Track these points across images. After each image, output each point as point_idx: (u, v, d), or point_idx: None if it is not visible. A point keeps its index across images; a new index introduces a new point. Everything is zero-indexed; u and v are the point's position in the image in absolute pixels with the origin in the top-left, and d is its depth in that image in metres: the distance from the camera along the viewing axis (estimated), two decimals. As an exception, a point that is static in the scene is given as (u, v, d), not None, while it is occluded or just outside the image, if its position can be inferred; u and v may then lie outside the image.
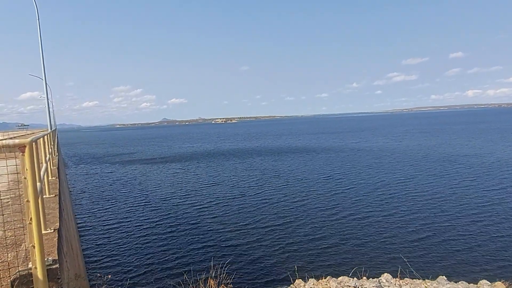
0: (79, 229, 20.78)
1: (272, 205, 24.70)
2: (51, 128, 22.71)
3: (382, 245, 17.20)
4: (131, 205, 26.47)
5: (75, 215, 23.41)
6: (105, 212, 25.12)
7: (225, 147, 77.78)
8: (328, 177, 34.39)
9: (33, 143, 3.56)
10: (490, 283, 11.34)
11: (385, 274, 12.01)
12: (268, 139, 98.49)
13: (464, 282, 11.44)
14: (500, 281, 11.29)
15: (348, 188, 29.14)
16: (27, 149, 3.31)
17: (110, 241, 18.94)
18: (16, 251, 4.70)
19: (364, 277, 11.93)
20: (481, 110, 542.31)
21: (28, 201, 3.37)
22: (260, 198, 26.80)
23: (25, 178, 3.36)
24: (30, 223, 3.38)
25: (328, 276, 12.23)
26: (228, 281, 6.19)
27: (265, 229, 19.93)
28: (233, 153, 62.21)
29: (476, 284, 11.42)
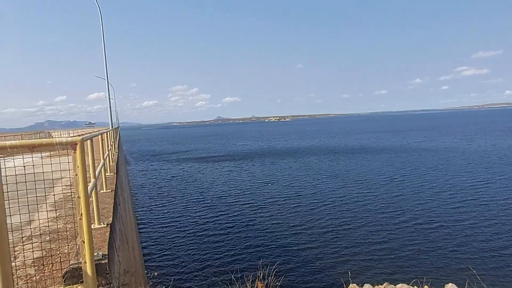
0: (138, 224, 21.86)
1: (327, 206, 24.01)
2: (112, 127, 24.14)
3: (448, 253, 15.90)
4: (187, 202, 27.33)
5: (135, 210, 24.69)
6: (162, 207, 26.20)
7: (279, 145, 77.49)
8: (388, 178, 32.71)
9: (85, 142, 3.65)
10: None
11: (450, 284, 11.13)
12: (323, 138, 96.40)
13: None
14: None
15: (411, 191, 27.39)
16: (78, 147, 3.39)
17: (166, 236, 19.68)
18: (71, 245, 4.92)
19: (426, 286, 11.14)
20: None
21: (79, 197, 3.46)
22: (314, 199, 26.18)
23: (76, 174, 3.44)
24: (80, 219, 3.46)
25: (386, 283, 11.61)
26: (277, 283, 6.02)
27: (319, 230, 19.40)
28: (287, 152, 61.70)
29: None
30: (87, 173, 3.62)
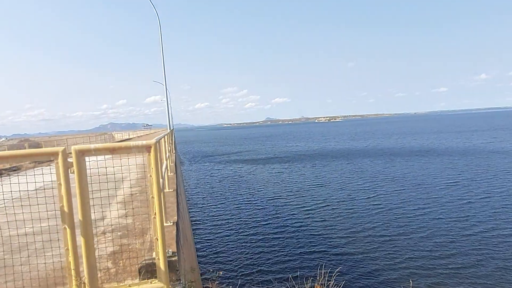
0: (192, 220, 22.65)
1: (384, 212, 22.94)
2: (170, 128, 25.20)
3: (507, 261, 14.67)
4: (239, 203, 27.72)
5: (189, 209, 25.59)
6: (214, 207, 26.84)
7: (330, 147, 75.96)
8: (451, 182, 30.59)
9: (157, 144, 3.87)
10: None
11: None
12: (378, 138, 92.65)
13: None
14: None
15: (479, 196, 25.33)
16: (152, 150, 3.60)
17: (219, 236, 20.13)
18: (142, 241, 5.23)
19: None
20: None
21: (153, 197, 3.67)
22: (370, 203, 25.21)
23: (150, 176, 3.65)
24: (154, 217, 3.67)
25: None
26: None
27: (377, 237, 18.59)
28: (339, 154, 60.20)
29: None
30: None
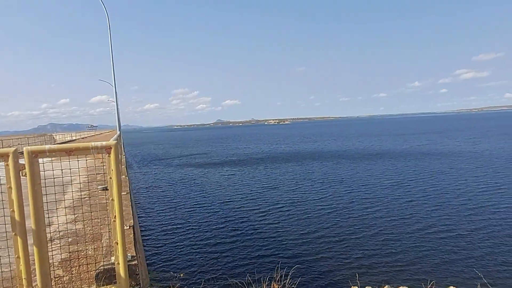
0: (141, 225, 21.89)
1: (333, 211, 23.95)
2: (119, 129, 24.21)
3: (451, 257, 15.96)
4: (191, 206, 27.22)
5: (138, 213, 24.72)
6: (165, 211, 26.12)
7: (281, 149, 77.39)
8: (393, 182, 32.59)
9: (118, 144, 3.75)
10: None
11: (451, 287, 11.17)
12: (325, 141, 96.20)
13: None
14: None
15: (415, 195, 27.35)
16: (112, 151, 3.48)
17: (170, 241, 19.64)
18: (96, 246, 5.01)
19: (427, 288, 11.17)
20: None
21: (113, 199, 3.55)
22: (320, 203, 26.09)
23: (110, 178, 3.53)
24: (114, 221, 3.55)
25: (387, 286, 11.66)
26: (293, 286, 6.10)
27: (326, 234, 19.36)
28: (289, 156, 61.58)
29: None
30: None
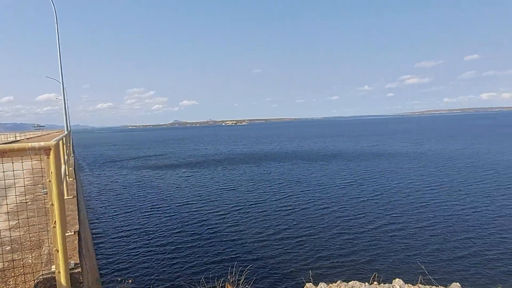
0: (92, 231, 20.91)
1: (289, 211, 24.40)
2: (67, 129, 22.97)
3: (395, 250, 16.94)
4: (146, 210, 26.41)
5: (90, 217, 23.59)
6: (119, 215, 25.18)
7: (238, 150, 77.36)
8: (344, 181, 33.90)
9: (58, 145, 3.53)
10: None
11: (397, 279, 11.76)
12: (281, 142, 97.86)
13: (478, 289, 11.14)
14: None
15: (363, 193, 28.73)
16: (52, 152, 3.28)
17: (125, 245, 18.97)
18: (36, 254, 4.70)
19: (376, 282, 11.70)
20: (496, 113, 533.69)
21: (52, 204, 3.34)
22: (276, 204, 26.48)
23: (49, 181, 3.33)
24: (54, 227, 3.35)
25: (339, 281, 12.08)
26: (247, 286, 6.11)
27: (279, 233, 19.77)
28: (247, 156, 61.76)
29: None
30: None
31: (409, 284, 11.29)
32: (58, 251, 3.35)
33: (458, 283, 11.68)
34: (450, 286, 11.43)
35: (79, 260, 4.02)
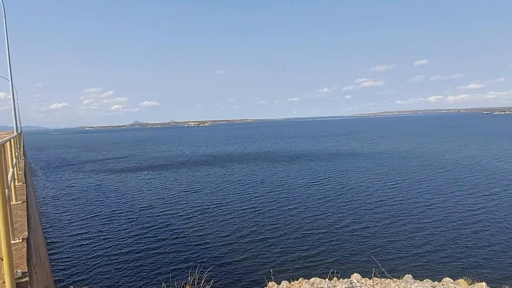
0: (46, 238, 19.86)
1: (247, 211, 24.65)
2: (17, 131, 21.65)
3: (352, 246, 17.62)
4: (105, 214, 25.47)
5: (42, 222, 22.36)
6: (75, 220, 24.12)
7: (201, 151, 76.57)
8: (308, 181, 34.65)
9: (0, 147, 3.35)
10: (453, 281, 11.71)
11: (355, 274, 12.18)
12: (244, 143, 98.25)
13: (429, 280, 11.77)
14: (462, 278, 11.69)
15: (318, 192, 29.58)
16: (-6, 155, 3.10)
17: (81, 251, 18.21)
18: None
19: (335, 278, 12.03)
20: (442, 115, 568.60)
21: (-5, 210, 3.16)
22: (237, 204, 26.63)
23: (-8, 185, 3.14)
24: (-2, 234, 3.16)
25: (301, 278, 12.30)
26: (207, 286, 6.07)
27: (241, 234, 19.90)
28: (210, 158, 61.35)
29: (440, 281, 11.77)
30: None
31: (365, 278, 11.72)
32: (2, 259, 3.17)
33: (410, 275, 12.29)
34: (403, 277, 12.00)
35: (27, 268, 3.82)
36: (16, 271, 3.54)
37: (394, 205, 24.59)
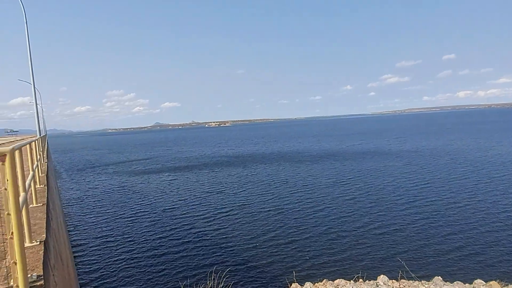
0: (71, 239, 20.28)
1: (270, 212, 24.37)
2: (40, 134, 22.26)
3: (378, 248, 17.10)
4: (126, 214, 25.92)
5: (67, 225, 22.86)
6: (99, 222, 24.57)
7: (223, 152, 76.63)
8: (333, 182, 33.89)
9: (15, 152, 3.31)
10: (485, 283, 11.24)
11: (382, 276, 11.86)
12: (265, 143, 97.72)
13: (459, 282, 11.34)
14: (495, 280, 11.19)
15: (343, 193, 28.97)
16: (7, 158, 3.07)
17: (104, 251, 18.53)
18: (1, 266, 4.43)
19: (361, 280, 11.76)
20: (472, 110, 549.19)
21: (9, 214, 3.12)
22: (258, 205, 26.43)
23: (5, 189, 3.11)
24: (11, 238, 3.13)
25: (325, 279, 12.08)
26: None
27: (264, 235, 19.68)
28: (232, 158, 61.28)
29: (472, 284, 11.32)
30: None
31: (392, 280, 11.40)
32: (16, 263, 3.13)
33: (439, 277, 11.87)
34: (432, 280, 11.59)
35: (43, 272, 3.79)
36: (31, 275, 3.51)
37: (422, 205, 23.81)
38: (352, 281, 11.58)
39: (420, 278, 11.38)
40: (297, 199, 27.42)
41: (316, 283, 11.85)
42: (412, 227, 19.68)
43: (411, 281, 11.22)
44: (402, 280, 11.36)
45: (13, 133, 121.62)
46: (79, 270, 16.14)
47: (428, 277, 11.94)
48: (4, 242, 5.27)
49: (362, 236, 18.67)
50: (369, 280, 11.75)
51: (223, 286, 6.10)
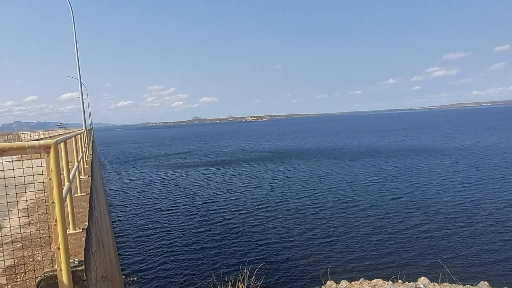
0: (114, 229, 21.28)
1: (308, 208, 24.09)
2: (85, 127, 23.48)
3: (419, 248, 16.45)
4: (166, 207, 26.74)
5: (110, 214, 24.00)
6: (140, 212, 25.62)
7: (260, 146, 76.73)
8: (374, 179, 32.85)
9: (59, 144, 3.52)
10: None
11: (422, 278, 11.46)
12: (304, 138, 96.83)
13: (507, 288, 10.71)
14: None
15: (384, 190, 28.03)
16: (52, 150, 3.27)
17: (144, 241, 19.28)
18: (45, 251, 4.74)
19: (400, 281, 11.43)
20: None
21: (53, 202, 3.34)
22: (296, 201, 26.26)
23: (50, 179, 3.32)
24: (55, 225, 3.34)
25: (362, 279, 11.84)
26: (257, 284, 6.03)
27: (300, 231, 19.55)
28: (269, 154, 61.13)
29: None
30: (61, 176, 3.50)
31: (434, 283, 11.00)
32: (59, 248, 3.35)
33: (486, 282, 11.27)
34: (478, 285, 11.04)
35: (85, 257, 4.02)
36: (74, 260, 3.73)
37: (469, 206, 22.52)
38: (390, 282, 11.29)
39: (464, 283, 10.89)
40: (335, 196, 26.94)
41: (352, 282, 11.67)
42: (456, 227, 18.74)
43: (454, 285, 10.76)
44: (444, 283, 10.92)
45: (63, 126, 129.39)
46: (121, 258, 16.92)
47: (474, 282, 11.36)
48: (49, 229, 5.65)
49: (402, 236, 18.04)
50: (409, 282, 11.40)
51: (255, 279, 6.16)
